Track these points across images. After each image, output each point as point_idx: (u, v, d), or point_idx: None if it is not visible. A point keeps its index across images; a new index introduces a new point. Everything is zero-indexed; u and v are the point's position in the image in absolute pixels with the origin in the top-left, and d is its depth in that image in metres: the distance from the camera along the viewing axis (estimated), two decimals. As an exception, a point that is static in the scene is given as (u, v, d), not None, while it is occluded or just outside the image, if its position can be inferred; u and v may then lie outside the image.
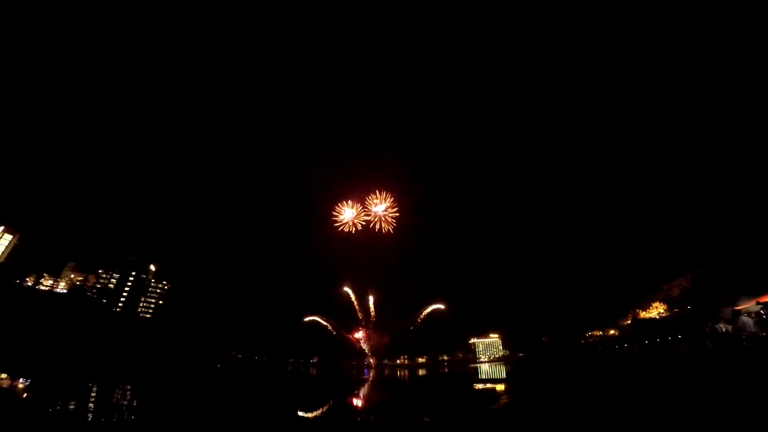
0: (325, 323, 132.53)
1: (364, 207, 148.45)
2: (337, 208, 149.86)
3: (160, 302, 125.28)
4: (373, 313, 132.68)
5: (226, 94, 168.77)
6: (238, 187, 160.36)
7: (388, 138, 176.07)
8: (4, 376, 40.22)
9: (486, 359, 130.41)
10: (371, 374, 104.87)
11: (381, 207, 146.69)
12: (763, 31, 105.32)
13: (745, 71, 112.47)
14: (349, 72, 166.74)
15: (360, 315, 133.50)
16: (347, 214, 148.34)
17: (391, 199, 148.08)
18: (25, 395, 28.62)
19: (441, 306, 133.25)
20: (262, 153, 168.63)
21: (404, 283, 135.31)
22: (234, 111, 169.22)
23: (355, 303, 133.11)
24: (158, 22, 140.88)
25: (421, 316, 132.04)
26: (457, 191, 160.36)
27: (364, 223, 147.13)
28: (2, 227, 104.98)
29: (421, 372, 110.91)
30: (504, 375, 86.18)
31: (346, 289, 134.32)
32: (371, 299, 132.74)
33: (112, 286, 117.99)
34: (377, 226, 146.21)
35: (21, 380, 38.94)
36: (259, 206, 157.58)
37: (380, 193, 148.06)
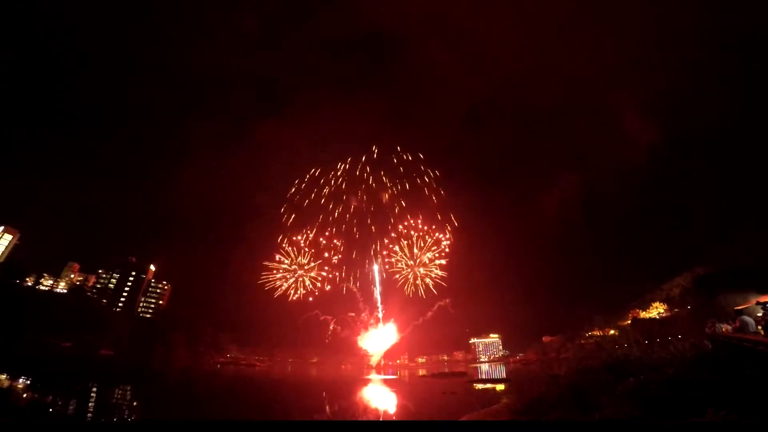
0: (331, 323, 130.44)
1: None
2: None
3: (160, 302, 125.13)
4: (381, 311, 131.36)
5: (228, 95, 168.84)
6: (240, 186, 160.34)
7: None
8: (4, 376, 40.16)
9: (486, 359, 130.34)
10: (371, 374, 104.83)
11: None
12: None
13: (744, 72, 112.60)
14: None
15: (365, 314, 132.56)
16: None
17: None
18: (25, 395, 28.59)
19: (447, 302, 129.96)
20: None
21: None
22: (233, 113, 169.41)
23: (361, 302, 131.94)
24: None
25: (428, 315, 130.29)
26: (455, 191, 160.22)
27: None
28: (2, 227, 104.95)
29: (422, 372, 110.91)
30: (504, 375, 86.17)
31: (352, 287, 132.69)
32: (379, 299, 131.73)
33: (112, 286, 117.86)
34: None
35: (21, 380, 38.92)
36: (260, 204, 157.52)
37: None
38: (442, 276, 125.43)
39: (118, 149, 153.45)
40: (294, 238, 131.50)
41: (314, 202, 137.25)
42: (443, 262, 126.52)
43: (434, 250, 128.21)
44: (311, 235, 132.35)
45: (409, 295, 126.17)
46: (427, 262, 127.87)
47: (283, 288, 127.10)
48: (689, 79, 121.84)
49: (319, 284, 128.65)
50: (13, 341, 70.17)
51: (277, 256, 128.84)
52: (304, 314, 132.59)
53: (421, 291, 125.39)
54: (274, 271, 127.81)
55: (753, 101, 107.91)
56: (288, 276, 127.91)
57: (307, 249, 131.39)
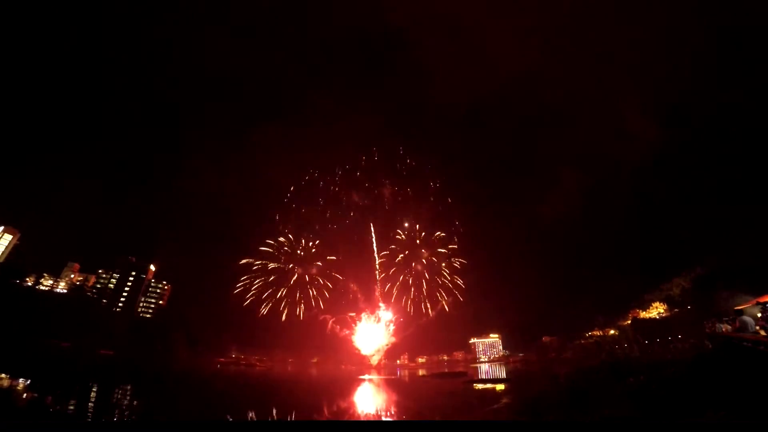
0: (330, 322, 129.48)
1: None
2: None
3: (160, 302, 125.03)
4: (382, 312, 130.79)
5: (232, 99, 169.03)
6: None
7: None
8: (4, 376, 40.15)
9: (486, 359, 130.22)
10: (371, 374, 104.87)
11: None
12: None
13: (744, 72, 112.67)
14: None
15: (365, 313, 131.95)
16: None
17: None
18: (25, 395, 28.59)
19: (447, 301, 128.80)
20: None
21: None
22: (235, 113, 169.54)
23: (361, 299, 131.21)
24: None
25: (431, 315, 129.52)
26: (455, 192, 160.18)
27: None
28: (2, 227, 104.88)
29: (422, 372, 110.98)
30: (504, 375, 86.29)
31: (352, 287, 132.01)
32: (379, 296, 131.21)
33: (112, 286, 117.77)
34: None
35: (21, 380, 38.92)
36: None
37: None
38: (457, 286, 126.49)
39: (118, 149, 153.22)
40: (289, 236, 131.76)
41: (314, 203, 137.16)
42: (456, 264, 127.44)
43: (439, 259, 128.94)
44: (311, 237, 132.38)
45: (410, 311, 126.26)
46: (433, 259, 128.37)
47: (283, 293, 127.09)
48: (690, 79, 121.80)
49: (320, 286, 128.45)
50: (13, 341, 70.21)
51: (282, 257, 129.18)
52: (304, 314, 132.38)
53: (427, 306, 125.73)
54: (272, 273, 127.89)
55: (754, 100, 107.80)
56: (287, 269, 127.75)
57: (307, 249, 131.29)
